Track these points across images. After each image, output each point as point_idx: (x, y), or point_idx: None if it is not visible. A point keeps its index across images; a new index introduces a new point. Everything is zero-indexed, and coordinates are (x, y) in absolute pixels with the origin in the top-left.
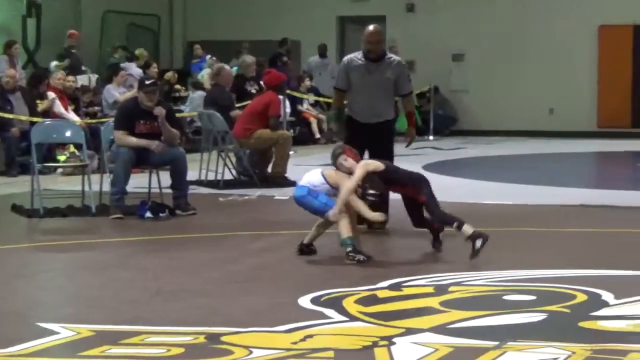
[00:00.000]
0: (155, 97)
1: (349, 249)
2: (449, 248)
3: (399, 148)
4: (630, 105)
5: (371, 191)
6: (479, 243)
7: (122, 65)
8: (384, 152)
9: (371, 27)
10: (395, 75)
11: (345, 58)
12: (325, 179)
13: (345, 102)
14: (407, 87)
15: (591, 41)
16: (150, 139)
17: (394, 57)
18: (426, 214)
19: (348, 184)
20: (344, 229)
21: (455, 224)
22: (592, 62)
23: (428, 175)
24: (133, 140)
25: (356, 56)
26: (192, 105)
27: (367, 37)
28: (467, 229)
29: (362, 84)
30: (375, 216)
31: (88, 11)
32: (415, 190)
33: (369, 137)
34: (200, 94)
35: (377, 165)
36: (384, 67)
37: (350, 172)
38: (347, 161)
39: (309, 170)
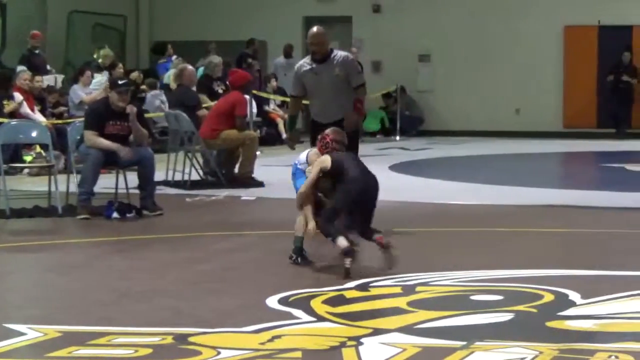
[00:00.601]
0: (127, 98)
1: (293, 247)
2: (416, 248)
3: (368, 148)
4: (595, 106)
5: (320, 194)
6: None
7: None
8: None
9: (314, 29)
10: (345, 70)
11: (297, 64)
12: (307, 158)
13: (306, 104)
14: (357, 80)
15: (557, 41)
16: (120, 140)
17: (339, 53)
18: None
19: (302, 187)
20: (298, 225)
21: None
22: (557, 62)
23: (394, 175)
24: (104, 142)
25: (305, 61)
26: (146, 105)
27: (310, 39)
28: (342, 241)
29: (314, 86)
30: (309, 231)
31: (54, 11)
32: None
33: None
34: (154, 93)
35: (326, 164)
36: (331, 65)
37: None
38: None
39: (275, 168)
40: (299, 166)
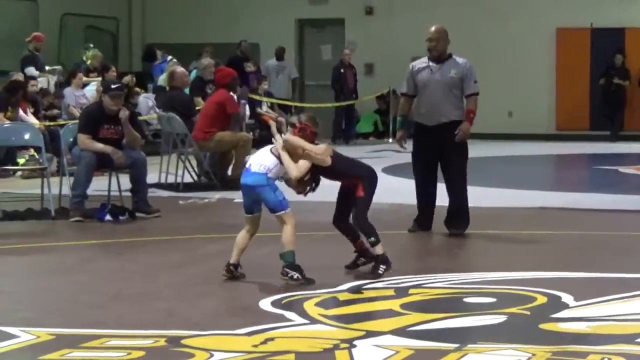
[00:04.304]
0: (120, 101)
1: (287, 263)
2: (409, 250)
3: (361, 151)
4: (588, 108)
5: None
6: (382, 269)
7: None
8: (454, 156)
9: (433, 26)
10: (461, 74)
11: (411, 63)
12: (275, 155)
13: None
14: (471, 87)
15: (549, 44)
16: (114, 144)
17: (459, 58)
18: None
19: (294, 173)
20: (290, 238)
21: (372, 239)
22: (550, 64)
23: (387, 177)
24: (98, 145)
25: (422, 59)
26: (138, 108)
27: (427, 35)
28: (379, 249)
29: (426, 84)
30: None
31: (46, 14)
32: (356, 182)
33: (435, 140)
34: (146, 95)
35: (326, 161)
36: (448, 66)
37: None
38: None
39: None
40: (269, 175)
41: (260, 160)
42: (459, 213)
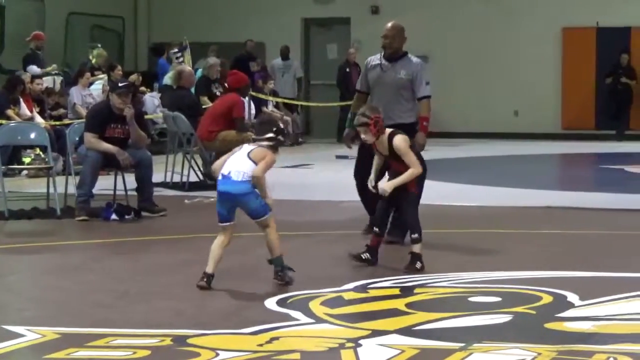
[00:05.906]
0: (128, 100)
1: (279, 268)
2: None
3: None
4: (594, 107)
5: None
6: (419, 265)
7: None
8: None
9: (390, 23)
10: (410, 75)
11: (367, 59)
12: (252, 159)
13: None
14: (421, 90)
15: (555, 43)
16: (121, 143)
17: (414, 58)
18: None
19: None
20: (276, 242)
21: (415, 235)
22: (556, 63)
23: None
24: (104, 145)
25: (376, 56)
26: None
27: (383, 31)
28: (418, 248)
29: (376, 83)
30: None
31: (52, 13)
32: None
33: None
34: (152, 94)
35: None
36: (400, 66)
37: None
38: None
39: (273, 170)
40: (249, 179)
41: (239, 168)
42: (399, 220)
